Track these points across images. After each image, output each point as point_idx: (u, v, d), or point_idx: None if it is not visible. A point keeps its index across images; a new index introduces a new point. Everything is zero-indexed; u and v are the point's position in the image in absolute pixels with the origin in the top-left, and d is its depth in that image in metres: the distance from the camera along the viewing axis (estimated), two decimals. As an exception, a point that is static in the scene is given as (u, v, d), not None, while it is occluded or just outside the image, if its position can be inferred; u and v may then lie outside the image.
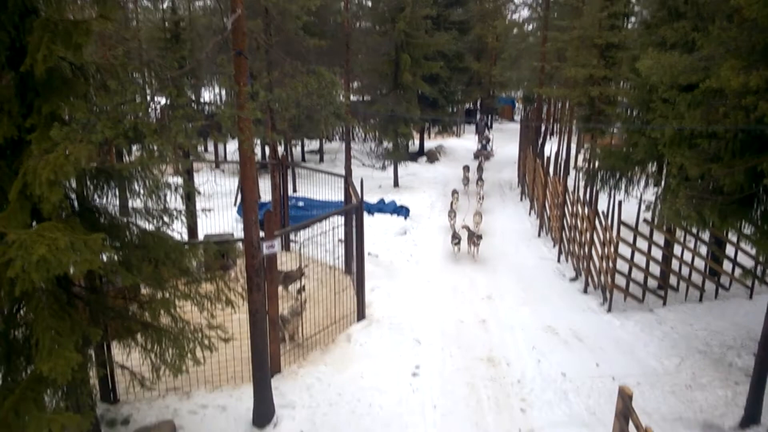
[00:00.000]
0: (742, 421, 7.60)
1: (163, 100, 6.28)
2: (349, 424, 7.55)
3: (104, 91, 5.64)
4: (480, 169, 23.58)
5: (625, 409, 5.95)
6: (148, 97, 5.70)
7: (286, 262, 10.76)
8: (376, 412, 7.83)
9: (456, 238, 14.05)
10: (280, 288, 9.97)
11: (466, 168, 22.86)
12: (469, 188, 21.57)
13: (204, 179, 17.29)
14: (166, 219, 6.32)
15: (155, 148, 5.39)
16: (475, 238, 13.91)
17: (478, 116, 37.07)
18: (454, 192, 18.93)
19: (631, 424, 5.82)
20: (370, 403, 8.02)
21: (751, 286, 11.50)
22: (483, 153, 28.89)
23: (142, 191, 6.10)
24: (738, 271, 11.34)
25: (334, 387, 8.33)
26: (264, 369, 7.34)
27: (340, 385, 8.39)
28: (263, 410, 7.42)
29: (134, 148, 6.57)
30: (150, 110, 5.73)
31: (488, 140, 30.23)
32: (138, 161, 5.53)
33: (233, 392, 8.05)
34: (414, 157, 27.07)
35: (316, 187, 13.90)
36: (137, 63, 5.82)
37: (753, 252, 10.81)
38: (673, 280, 11.51)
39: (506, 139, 33.14)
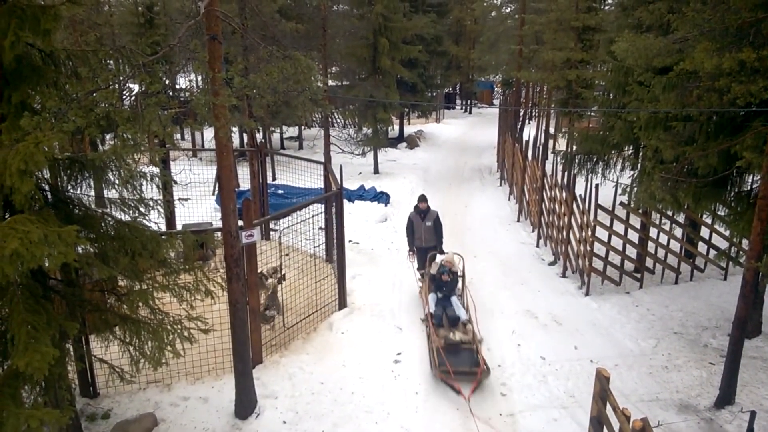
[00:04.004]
0: (717, 400, 7.76)
1: (136, 88, 6.15)
2: (332, 413, 7.56)
3: (75, 79, 5.52)
4: None
5: (602, 391, 6.04)
6: (121, 84, 5.57)
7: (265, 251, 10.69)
8: (358, 400, 7.86)
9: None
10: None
11: None
12: None
13: (181, 168, 17.09)
14: (142, 209, 6.23)
15: (128, 136, 5.28)
16: None
17: (424, 217, 11.16)
18: None
19: (608, 405, 5.92)
20: (353, 391, 8.04)
21: (725, 268, 11.73)
22: (456, 336, 8.93)
23: (116, 181, 6.00)
24: (713, 253, 11.55)
25: (317, 376, 8.33)
26: (245, 359, 7.31)
27: (322, 373, 8.39)
28: (245, 401, 7.40)
29: (108, 137, 6.46)
30: (123, 98, 5.61)
31: (454, 278, 10.07)
32: (111, 150, 5.41)
33: (215, 383, 8.01)
34: (394, 143, 27.02)
35: (296, 174, 13.79)
36: (109, 49, 5.66)
37: (727, 233, 11.00)
38: (649, 262, 11.69)
39: (485, 124, 33.24)
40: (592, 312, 10.54)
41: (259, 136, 22.26)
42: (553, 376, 8.51)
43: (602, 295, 11.19)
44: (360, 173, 21.47)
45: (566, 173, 13.22)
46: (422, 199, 11.17)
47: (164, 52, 5.95)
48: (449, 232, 14.59)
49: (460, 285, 10.37)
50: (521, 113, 27.58)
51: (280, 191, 15.87)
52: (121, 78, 5.58)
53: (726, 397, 7.71)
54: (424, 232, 11.07)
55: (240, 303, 7.14)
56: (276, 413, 7.49)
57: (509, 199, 18.75)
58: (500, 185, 20.81)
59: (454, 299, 9.74)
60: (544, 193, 14.20)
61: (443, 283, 9.82)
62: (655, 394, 8.05)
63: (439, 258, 10.71)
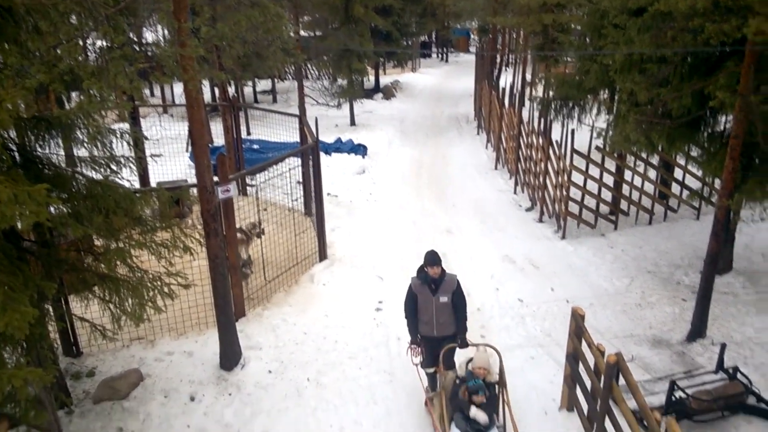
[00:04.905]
0: (689, 335, 8.05)
1: (101, 42, 5.96)
2: (317, 361, 7.71)
3: (36, 34, 5.31)
4: None
5: (578, 329, 6.23)
6: (84, 38, 5.39)
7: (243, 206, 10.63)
8: (341, 348, 8.00)
9: None
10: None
11: None
12: None
13: (151, 124, 16.73)
14: (113, 167, 6.10)
15: (95, 92, 5.14)
16: None
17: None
18: None
19: (584, 342, 6.11)
20: (336, 339, 8.18)
21: (698, 207, 11.98)
22: None
23: (85, 139, 5.86)
24: (686, 194, 11.77)
25: (300, 327, 8.44)
26: (228, 313, 7.36)
27: (305, 324, 8.51)
28: (230, 353, 7.49)
29: (75, 95, 6.28)
30: (88, 53, 5.45)
31: (492, 394, 5.99)
32: (78, 107, 5.28)
33: (198, 338, 8.08)
34: (370, 94, 26.66)
35: (271, 128, 13.60)
36: (70, 1, 5.44)
37: (700, 174, 11.19)
38: (623, 205, 11.89)
39: (462, 72, 32.83)
40: (568, 255, 10.76)
41: (231, 90, 21.79)
42: (531, 317, 8.73)
43: (578, 238, 11.40)
44: (336, 125, 21.23)
45: (543, 119, 13.22)
46: (432, 260, 6.28)
47: (127, 3, 5.74)
48: (428, 183, 14.60)
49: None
50: (498, 60, 27.29)
51: (255, 146, 15.66)
52: (84, 31, 5.39)
53: (697, 330, 8.01)
54: (437, 314, 6.44)
55: (219, 258, 7.14)
56: (261, 363, 7.60)
57: (487, 148, 18.77)
58: (478, 134, 20.78)
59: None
60: (521, 140, 14.23)
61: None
62: (629, 331, 8.32)
63: (460, 355, 6.62)
